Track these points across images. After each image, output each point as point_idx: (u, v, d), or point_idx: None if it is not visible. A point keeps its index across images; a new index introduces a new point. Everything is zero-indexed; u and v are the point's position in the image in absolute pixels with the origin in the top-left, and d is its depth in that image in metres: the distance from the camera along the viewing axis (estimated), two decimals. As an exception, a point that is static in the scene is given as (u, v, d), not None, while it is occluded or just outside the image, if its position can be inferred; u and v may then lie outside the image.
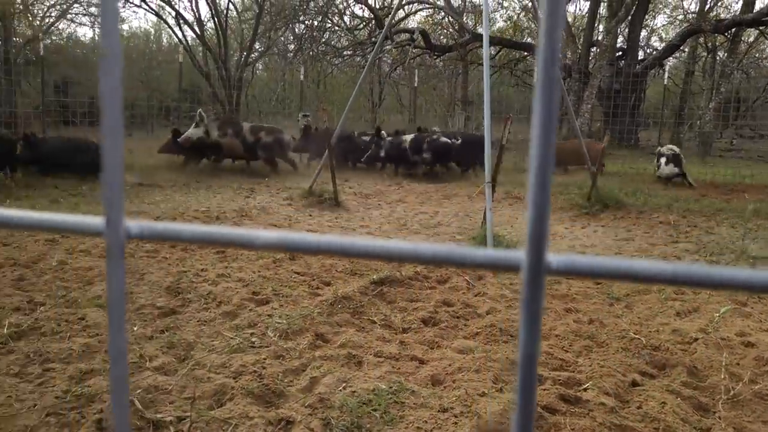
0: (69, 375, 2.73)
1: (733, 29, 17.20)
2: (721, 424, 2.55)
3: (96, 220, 0.45)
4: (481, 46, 19.97)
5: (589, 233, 7.09)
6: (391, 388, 2.62)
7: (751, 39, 22.09)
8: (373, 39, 18.19)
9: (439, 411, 2.43)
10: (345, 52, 20.36)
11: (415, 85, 16.32)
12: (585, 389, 2.76)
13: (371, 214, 7.82)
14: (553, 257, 0.42)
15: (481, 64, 21.73)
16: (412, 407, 2.47)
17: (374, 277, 4.14)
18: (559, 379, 2.83)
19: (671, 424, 2.47)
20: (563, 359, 3.10)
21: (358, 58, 20.89)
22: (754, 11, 16.86)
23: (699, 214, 7.90)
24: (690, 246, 6.26)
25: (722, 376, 2.91)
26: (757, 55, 23.10)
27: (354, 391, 2.60)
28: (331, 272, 4.41)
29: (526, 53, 19.84)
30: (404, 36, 18.69)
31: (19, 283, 4.04)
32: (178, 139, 10.18)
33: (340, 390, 2.62)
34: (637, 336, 3.40)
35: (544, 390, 2.68)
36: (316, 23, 19.70)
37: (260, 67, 24.40)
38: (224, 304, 3.63)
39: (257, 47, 19.76)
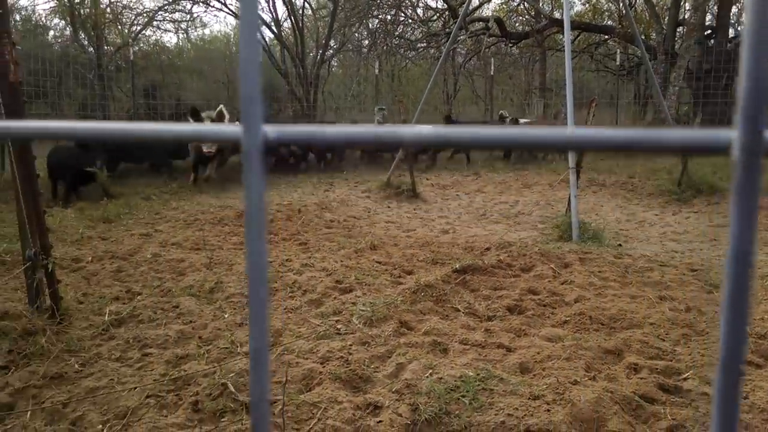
0: (166, 359, 2.85)
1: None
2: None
3: (234, 128, 0.45)
4: (559, 32, 19.37)
5: (680, 219, 6.75)
6: (478, 375, 2.58)
7: None
8: (447, 30, 18.00)
9: (529, 398, 2.36)
10: (419, 45, 20.26)
11: (491, 74, 16.02)
12: (685, 379, 2.62)
13: (449, 205, 7.76)
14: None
15: (559, 50, 21.09)
16: (501, 394, 2.42)
17: (456, 265, 4.09)
18: (657, 368, 2.69)
19: (784, 416, 2.30)
20: (660, 348, 2.95)
21: (432, 50, 20.74)
22: None
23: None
24: (795, 231, 5.82)
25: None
26: None
27: (441, 378, 2.57)
28: (412, 261, 4.40)
29: (606, 36, 19.06)
30: (479, 25, 18.39)
31: (117, 274, 4.27)
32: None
33: (427, 376, 2.60)
34: (749, 327, 3.18)
35: (641, 379, 2.56)
36: (389, 17, 19.71)
37: (335, 64, 24.73)
38: (309, 293, 3.68)
39: (332, 44, 20.01)
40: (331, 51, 19.59)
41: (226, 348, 2.94)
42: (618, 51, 17.70)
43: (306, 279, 3.90)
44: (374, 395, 2.48)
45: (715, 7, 17.88)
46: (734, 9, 21.19)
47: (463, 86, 23.67)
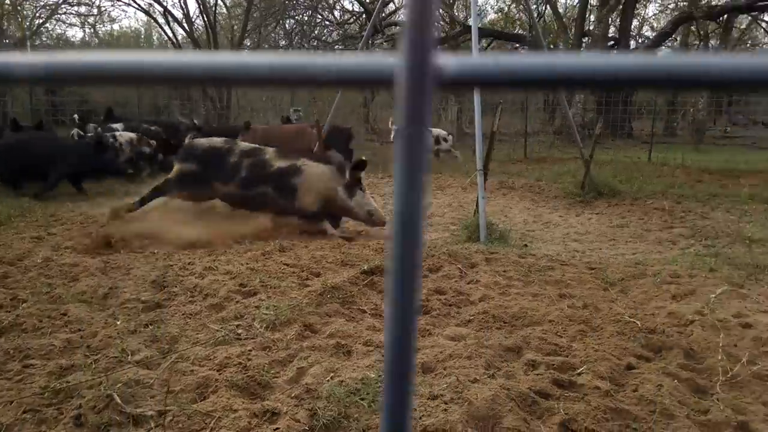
0: (48, 371, 2.65)
1: (725, 15, 17.15)
2: (720, 405, 2.48)
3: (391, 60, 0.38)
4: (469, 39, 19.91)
5: (583, 221, 7.04)
6: (380, 376, 2.54)
7: (743, 26, 22.07)
8: (363, 33, 18.08)
9: (429, 398, 2.36)
10: (336, 47, 20.24)
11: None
12: (579, 373, 2.69)
13: (364, 207, 7.73)
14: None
15: (473, 57, 21.66)
16: (401, 395, 2.40)
17: (365, 266, 4.06)
18: (553, 364, 2.76)
19: (668, 406, 2.40)
20: (557, 344, 3.03)
21: (349, 53, 20.78)
22: (746, -3, 16.80)
23: (693, 199, 7.85)
24: (685, 231, 6.20)
25: (719, 358, 2.84)
26: (750, 43, 23.08)
27: (342, 381, 2.52)
28: (321, 263, 4.33)
29: (517, 44, 19.76)
30: (396, 29, 18.57)
31: (3, 280, 3.95)
32: None
33: (328, 380, 2.55)
34: (632, 319, 3.33)
35: (538, 375, 2.62)
36: (305, 18, 19.58)
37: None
38: (210, 297, 3.54)
39: (247, 44, 19.61)
40: (246, 51, 19.21)
41: (116, 357, 2.76)
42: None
43: (208, 282, 3.75)
44: (272, 402, 2.40)
45: (618, 20, 18.87)
46: (635, 22, 22.47)
47: (382, 89, 23.85)
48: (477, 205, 5.49)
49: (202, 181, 5.80)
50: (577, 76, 0.35)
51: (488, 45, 21.56)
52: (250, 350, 2.83)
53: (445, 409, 2.23)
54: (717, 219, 6.65)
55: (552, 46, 20.25)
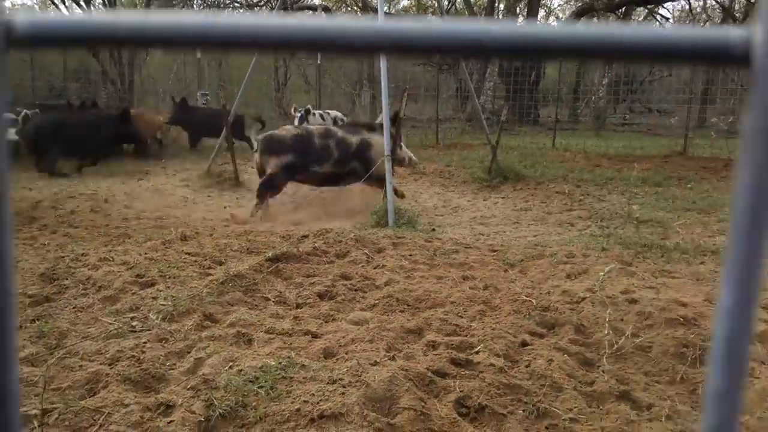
0: None
1: (624, 8, 18.06)
2: (605, 376, 2.63)
3: None
4: (386, 24, 19.92)
5: (489, 205, 7.25)
6: (280, 363, 2.52)
7: (641, 18, 23.31)
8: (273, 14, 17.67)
9: (328, 383, 2.36)
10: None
11: (318, 62, 16.06)
12: (477, 352, 2.78)
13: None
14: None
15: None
16: (300, 381, 2.39)
17: (270, 254, 4.01)
18: (452, 344, 2.83)
19: (557, 380, 2.52)
20: (457, 324, 3.11)
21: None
22: (642, -9, 17.77)
23: (592, 183, 8.26)
24: (583, 213, 6.52)
25: (606, 332, 3.01)
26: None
27: (241, 370, 2.48)
28: (225, 252, 4.23)
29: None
30: (308, 12, 18.32)
31: None
32: None
33: (226, 370, 2.50)
34: (528, 298, 3.47)
35: (436, 355, 2.68)
36: (213, -1, 18.96)
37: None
38: (104, 289, 3.39)
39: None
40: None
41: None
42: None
43: (102, 274, 3.58)
44: (167, 394, 2.33)
45: (525, 10, 19.45)
46: (542, 12, 23.25)
47: (293, 74, 23.53)
48: (385, 191, 5.54)
49: (301, 167, 6.38)
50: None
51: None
52: (144, 343, 2.73)
53: (343, 393, 2.24)
54: (612, 201, 7.04)
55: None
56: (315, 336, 2.94)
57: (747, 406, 2.49)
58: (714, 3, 20.13)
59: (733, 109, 16.99)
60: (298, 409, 2.17)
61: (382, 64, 5.49)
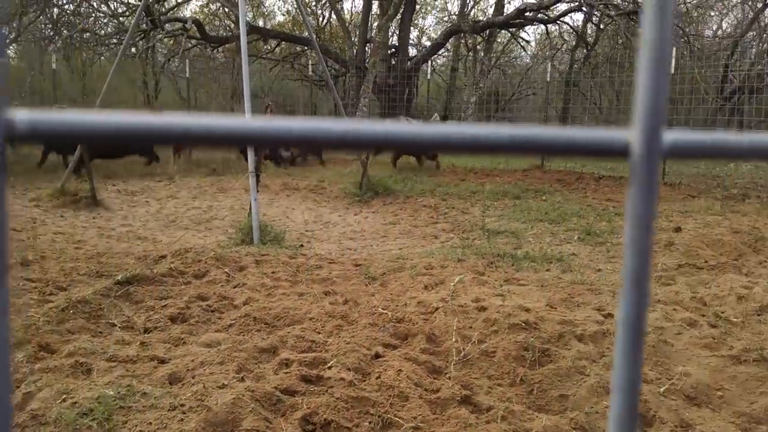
0: None
1: (488, 30, 19.12)
2: (450, 383, 2.74)
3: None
4: (259, 39, 19.75)
5: (360, 219, 7.35)
6: (119, 393, 2.40)
7: (505, 40, 24.78)
8: (143, 26, 16.98)
9: (168, 410, 2.28)
10: (111, 40, 18.75)
11: (188, 75, 15.57)
12: (329, 367, 2.80)
13: (136, 212, 7.28)
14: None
15: (261, 57, 21.50)
16: (139, 410, 2.29)
17: (120, 276, 3.81)
18: (305, 361, 2.83)
19: (404, 389, 2.60)
20: (313, 341, 3.12)
21: (132, 49, 19.38)
22: (504, 15, 18.92)
23: (457, 196, 8.63)
24: (447, 225, 6.79)
25: (455, 340, 3.14)
26: (512, 55, 26.00)
27: (75, 402, 2.33)
28: (71, 276, 3.97)
29: (306, 47, 20.01)
30: (178, 25, 17.74)
31: None
32: None
33: (58, 403, 2.34)
34: (384, 311, 3.55)
35: (287, 373, 2.67)
36: (71, 7, 17.84)
37: (11, 54, 21.50)
38: None
39: (5, 32, 17.34)
40: (6, 40, 16.92)
41: None
42: (310, 63, 18.65)
43: None
44: (-14, 435, 2.13)
45: (397, 30, 19.98)
46: (414, 32, 24.02)
47: (165, 87, 22.63)
48: (250, 208, 5.46)
49: None
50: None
51: (276, 46, 21.59)
52: (-36, 380, 2.49)
53: (182, 419, 2.17)
54: (474, 214, 7.38)
55: (339, 51, 20.89)
56: (162, 361, 2.83)
57: (577, 402, 2.70)
58: (569, 28, 21.83)
59: (589, 124, 18.42)
60: (133, 440, 2.08)
61: (245, 74, 5.43)
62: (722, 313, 3.83)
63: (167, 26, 17.02)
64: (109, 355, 2.83)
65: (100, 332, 3.16)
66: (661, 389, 2.80)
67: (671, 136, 0.39)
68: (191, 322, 3.35)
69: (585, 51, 21.00)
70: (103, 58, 21.31)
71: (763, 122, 14.26)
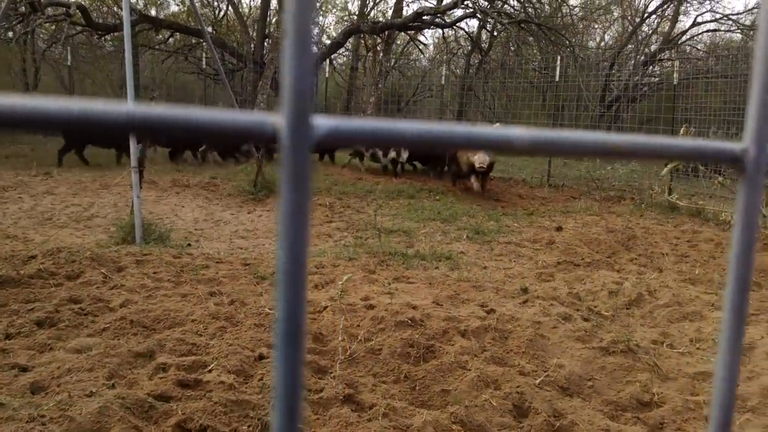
0: None
1: (387, 32, 19.34)
2: (334, 382, 2.73)
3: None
4: (151, 28, 18.86)
5: (253, 218, 7.20)
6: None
7: (404, 42, 25.17)
8: (21, 9, 15.68)
9: (27, 421, 2.10)
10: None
11: (69, 63, 14.61)
12: (210, 370, 2.70)
13: (7, 209, 6.72)
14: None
15: (153, 48, 20.56)
16: (-7, 424, 2.10)
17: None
18: (184, 365, 2.72)
19: (287, 390, 2.55)
20: (194, 343, 3.01)
21: (9, 33, 17.88)
22: (402, 17, 19.20)
23: (353, 195, 8.65)
24: (342, 224, 6.79)
25: (341, 339, 3.13)
26: (411, 58, 26.43)
27: None
28: None
29: (201, 40, 19.32)
30: (60, 9, 16.57)
31: None
32: None
33: None
34: (272, 311, 3.48)
35: (162, 378, 2.55)
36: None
37: None
38: None
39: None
40: None
41: None
42: (204, 56, 18.09)
43: None
44: None
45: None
46: (315, 30, 23.86)
47: (45, 75, 21.12)
48: (132, 205, 5.19)
49: None
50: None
51: (170, 36, 20.71)
52: None
53: (41, 431, 2.01)
54: (369, 213, 7.42)
55: (236, 45, 20.36)
56: (24, 369, 2.62)
57: (457, 396, 2.77)
58: (464, 33, 22.49)
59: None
60: (-17, 457, 1.90)
61: (127, 62, 5.15)
62: (595, 307, 4.09)
63: (49, 10, 15.85)
64: (-39, 365, 2.59)
65: (-47, 341, 2.88)
66: (537, 381, 2.93)
67: (323, 122, 0.37)
68: (60, 327, 3.13)
69: (480, 56, 21.75)
70: (-27, 41, 19.55)
71: (640, 129, 15.39)
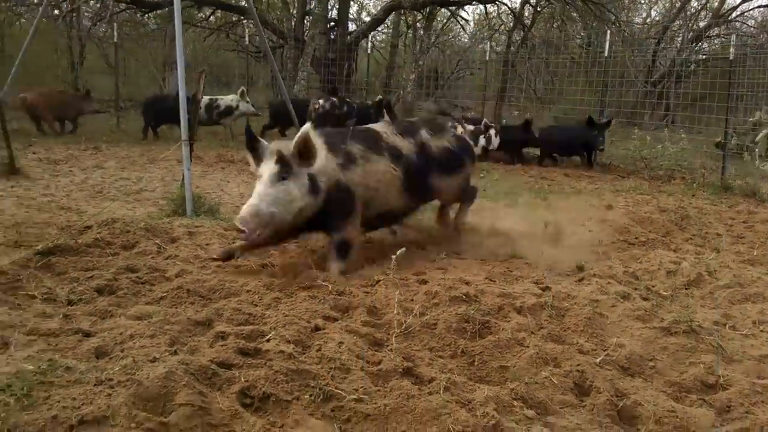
0: None
1: (428, 8, 19.06)
2: (391, 355, 2.70)
3: None
4: (193, 6, 18.96)
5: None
6: (39, 367, 2.23)
7: (445, 19, 24.80)
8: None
9: (94, 384, 2.13)
10: (33, 0, 17.55)
11: (116, 40, 14.81)
12: (268, 340, 2.70)
13: (59, 182, 6.87)
14: None
15: (195, 25, 20.69)
16: (62, 386, 2.13)
17: (40, 246, 3.57)
18: (242, 334, 2.73)
19: (346, 361, 2.53)
20: (251, 313, 3.01)
21: (55, 11, 18.24)
22: (444, -8, 18.90)
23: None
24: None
25: (396, 312, 3.09)
26: (451, 35, 26.05)
27: (-11, 378, 2.15)
28: (-13, 245, 3.69)
29: (242, 17, 19.37)
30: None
31: None
32: None
33: (-29, 380, 2.15)
34: (324, 283, 3.47)
35: (223, 346, 2.55)
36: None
37: None
38: None
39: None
40: None
41: None
42: (247, 33, 18.09)
43: None
44: None
45: (336, 3, 19.59)
46: (354, 7, 23.65)
47: (90, 54, 21.48)
48: (183, 178, 5.23)
49: None
50: None
51: (212, 13, 20.82)
52: None
53: (110, 394, 2.03)
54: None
55: (277, 22, 20.34)
56: (87, 335, 2.66)
57: (516, 373, 2.71)
58: (507, 9, 22.03)
59: (524, 105, 18.74)
60: (55, 416, 1.93)
61: (178, 45, 5.16)
62: (653, 286, 3.96)
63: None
64: (29, 328, 2.64)
65: (18, 305, 2.94)
66: (597, 360, 2.85)
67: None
68: (119, 294, 3.18)
69: (522, 33, 21.26)
70: (24, 20, 19.99)
71: (688, 107, 14.89)
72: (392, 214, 4.29)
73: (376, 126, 4.46)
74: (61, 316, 2.82)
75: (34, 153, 8.53)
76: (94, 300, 3.07)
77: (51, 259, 3.48)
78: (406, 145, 4.23)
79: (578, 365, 2.74)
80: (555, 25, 22.67)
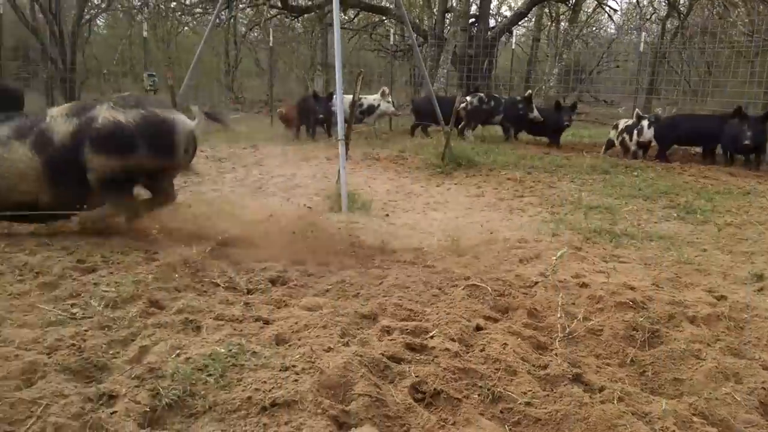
0: None
1: (573, -1, 18.34)
2: (557, 360, 2.64)
3: None
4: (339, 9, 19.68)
5: (443, 191, 7.26)
6: (230, 351, 2.44)
7: (590, 10, 23.72)
8: (227, -4, 17.21)
9: (280, 370, 2.29)
10: (195, 10, 19.16)
11: (270, 44, 15.72)
12: (431, 337, 2.75)
13: (224, 178, 7.45)
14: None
15: (342, 27, 21.50)
16: (252, 369, 2.31)
17: (219, 237, 3.89)
18: (407, 329, 2.80)
19: (511, 363, 2.52)
20: (412, 309, 3.08)
21: (217, 19, 19.80)
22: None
23: (542, 170, 8.37)
24: (534, 199, 6.59)
25: (559, 316, 3.03)
26: (595, 27, 24.88)
27: (189, 358, 2.38)
28: (171, 236, 4.08)
29: (384, 17, 19.82)
30: (261, -5, 17.91)
31: None
32: None
33: (173, 358, 2.40)
34: (482, 284, 3.47)
35: (391, 340, 2.64)
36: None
37: (100, 24, 22.39)
38: (43, 275, 3.21)
39: (97, 2, 18.04)
40: (95, 10, 17.65)
41: None
42: (392, 32, 18.41)
43: (40, 260, 3.40)
44: (110, 384, 2.21)
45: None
46: (494, 1, 23.33)
47: (245, 57, 23.04)
48: (339, 176, 5.46)
49: None
50: None
51: (355, 16, 21.50)
52: (86, 330, 2.59)
53: (296, 380, 2.18)
54: (561, 188, 7.14)
55: (417, 21, 20.57)
56: (267, 322, 2.86)
57: (694, 387, 2.54)
58: (660, -4, 20.66)
59: (676, 100, 17.48)
60: (249, 398, 2.10)
61: (336, 47, 5.39)
62: None
63: (250, -4, 17.21)
64: (216, 313, 2.89)
65: (205, 291, 3.23)
66: (787, 379, 2.60)
67: None
68: (290, 285, 3.38)
69: (678, 21, 19.79)
70: (187, 27, 21.87)
71: None
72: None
73: None
74: (242, 303, 3.06)
75: (201, 151, 9.31)
76: (268, 290, 3.30)
77: (228, 250, 3.78)
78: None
79: (763, 382, 2.52)
80: (714, 11, 20.85)
